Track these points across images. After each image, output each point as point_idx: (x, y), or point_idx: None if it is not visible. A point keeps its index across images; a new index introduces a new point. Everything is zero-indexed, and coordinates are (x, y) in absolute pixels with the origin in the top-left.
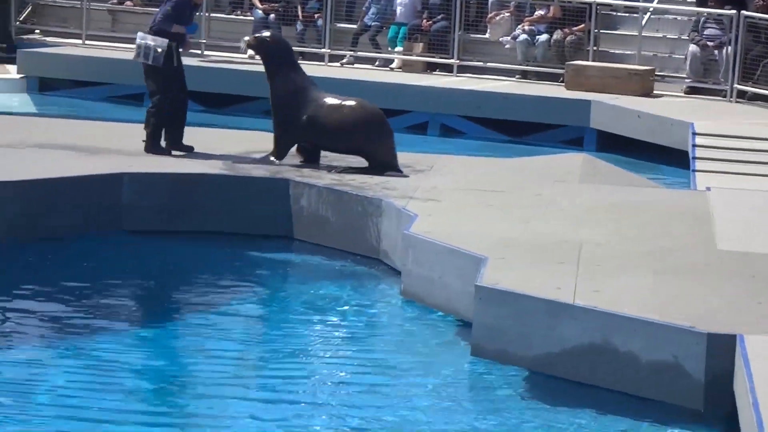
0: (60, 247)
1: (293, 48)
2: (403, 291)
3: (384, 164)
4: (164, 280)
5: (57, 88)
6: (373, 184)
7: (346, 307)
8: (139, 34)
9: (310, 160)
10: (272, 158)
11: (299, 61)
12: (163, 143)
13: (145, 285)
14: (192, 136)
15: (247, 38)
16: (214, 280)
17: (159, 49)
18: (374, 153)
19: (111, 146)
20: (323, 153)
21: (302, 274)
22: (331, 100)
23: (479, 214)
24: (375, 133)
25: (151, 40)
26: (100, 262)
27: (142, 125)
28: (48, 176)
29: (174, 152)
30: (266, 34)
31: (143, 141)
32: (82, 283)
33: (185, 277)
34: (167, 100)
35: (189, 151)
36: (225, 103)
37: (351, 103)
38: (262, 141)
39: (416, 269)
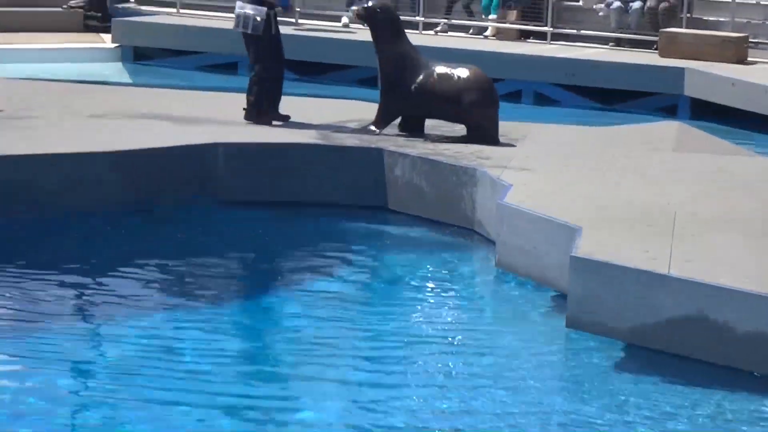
0: (153, 217)
1: None
2: (497, 261)
3: (485, 134)
4: (257, 252)
5: (151, 57)
6: (467, 153)
7: (439, 279)
8: (238, 3)
9: (413, 130)
10: (373, 127)
11: None
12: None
13: (237, 257)
14: (286, 105)
15: (355, 7)
16: (307, 251)
17: (258, 18)
18: (478, 121)
19: (205, 116)
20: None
21: (395, 244)
22: (439, 68)
23: (573, 184)
24: (482, 102)
25: (250, 9)
26: (193, 233)
27: (241, 94)
28: (143, 147)
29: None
30: (374, 3)
31: (244, 109)
32: (174, 255)
33: (278, 248)
34: (268, 68)
35: (285, 120)
36: (319, 71)
37: (460, 70)
38: (356, 110)
39: (511, 239)
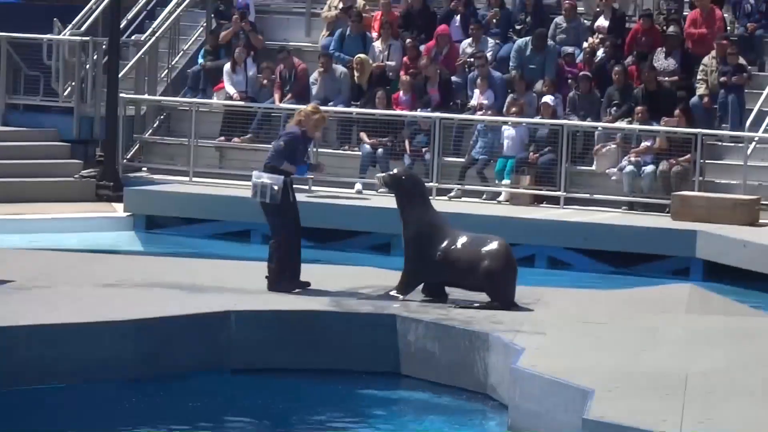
0: (167, 386)
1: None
2: (510, 426)
3: (503, 303)
4: (270, 420)
5: (164, 225)
6: (480, 318)
7: None
8: (255, 172)
9: (436, 296)
10: (395, 293)
11: None
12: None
13: (249, 427)
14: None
15: (381, 174)
16: (321, 420)
17: (275, 187)
18: (497, 292)
19: (218, 284)
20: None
21: (409, 410)
22: (462, 238)
23: (586, 347)
24: (501, 274)
25: (267, 178)
26: (206, 402)
27: (254, 262)
28: (154, 315)
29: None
30: (400, 170)
31: (266, 277)
32: (186, 424)
33: (291, 417)
34: (288, 235)
35: (306, 287)
36: (332, 238)
37: (482, 240)
38: (369, 277)
39: (524, 403)
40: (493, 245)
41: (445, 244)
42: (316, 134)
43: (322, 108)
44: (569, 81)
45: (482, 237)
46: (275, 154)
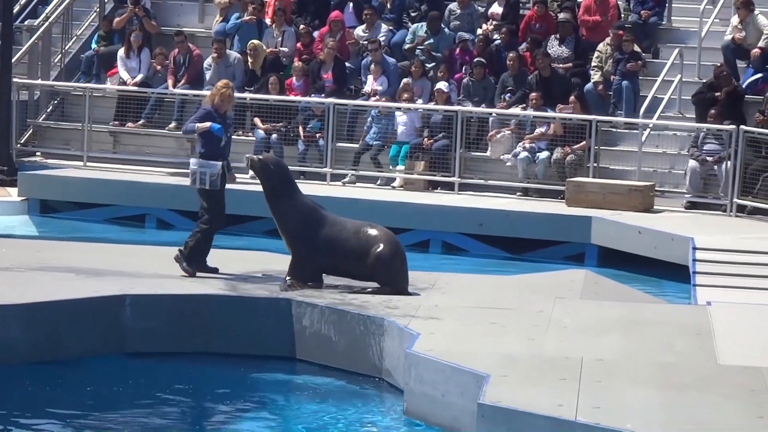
0: (61, 370)
1: (292, 167)
2: (406, 410)
3: (395, 288)
4: (165, 404)
5: (58, 210)
6: (375, 303)
7: (348, 428)
8: (192, 160)
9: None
10: (289, 279)
11: (300, 181)
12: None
13: (145, 409)
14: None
15: (251, 156)
16: (216, 403)
17: (214, 173)
18: (388, 280)
19: (112, 268)
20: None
21: (304, 394)
22: (347, 226)
23: (481, 332)
24: (389, 261)
25: (204, 166)
26: (100, 386)
27: (149, 246)
28: (49, 299)
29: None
30: (266, 157)
31: (179, 250)
32: (81, 409)
33: (188, 400)
34: (217, 219)
35: (214, 272)
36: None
37: (367, 227)
38: (264, 261)
39: (419, 388)
40: (378, 231)
41: (327, 228)
42: (228, 108)
43: None
44: (463, 67)
45: (363, 224)
46: (187, 125)
